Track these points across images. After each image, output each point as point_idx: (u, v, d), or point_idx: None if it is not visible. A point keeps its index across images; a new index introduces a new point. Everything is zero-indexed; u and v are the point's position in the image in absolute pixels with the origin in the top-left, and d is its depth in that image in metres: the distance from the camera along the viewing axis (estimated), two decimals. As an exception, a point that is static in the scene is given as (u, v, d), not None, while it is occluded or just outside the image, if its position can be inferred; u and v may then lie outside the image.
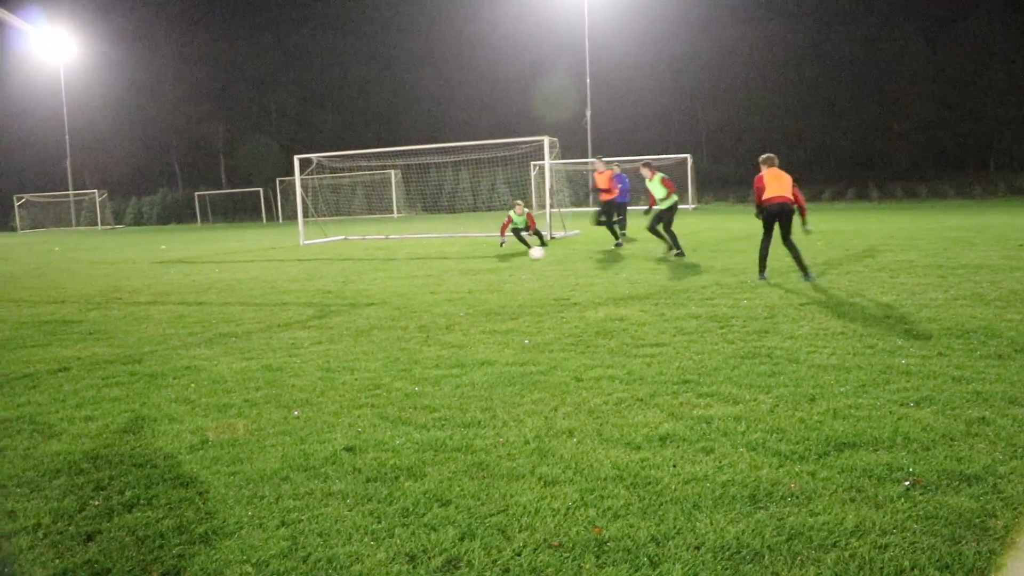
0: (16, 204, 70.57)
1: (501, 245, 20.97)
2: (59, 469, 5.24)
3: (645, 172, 17.76)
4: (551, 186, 26.71)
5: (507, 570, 3.62)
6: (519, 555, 3.75)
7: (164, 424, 6.14)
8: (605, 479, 4.59)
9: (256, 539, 4.04)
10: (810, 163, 64.64)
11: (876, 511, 4.07)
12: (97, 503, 4.61)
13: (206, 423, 6.10)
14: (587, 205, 46.47)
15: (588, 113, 57.33)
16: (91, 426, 6.20)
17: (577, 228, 27.65)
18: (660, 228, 17.61)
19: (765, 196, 12.48)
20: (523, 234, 20.53)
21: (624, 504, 4.25)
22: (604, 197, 20.95)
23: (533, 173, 43.42)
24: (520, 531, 3.99)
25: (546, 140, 25.97)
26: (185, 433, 5.86)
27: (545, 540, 3.88)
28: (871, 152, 65.95)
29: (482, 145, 34.15)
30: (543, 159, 27.12)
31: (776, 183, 12.59)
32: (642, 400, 6.17)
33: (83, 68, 72.60)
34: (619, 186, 23.37)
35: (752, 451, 4.96)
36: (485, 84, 74.13)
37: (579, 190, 50.80)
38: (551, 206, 25.83)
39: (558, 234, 25.17)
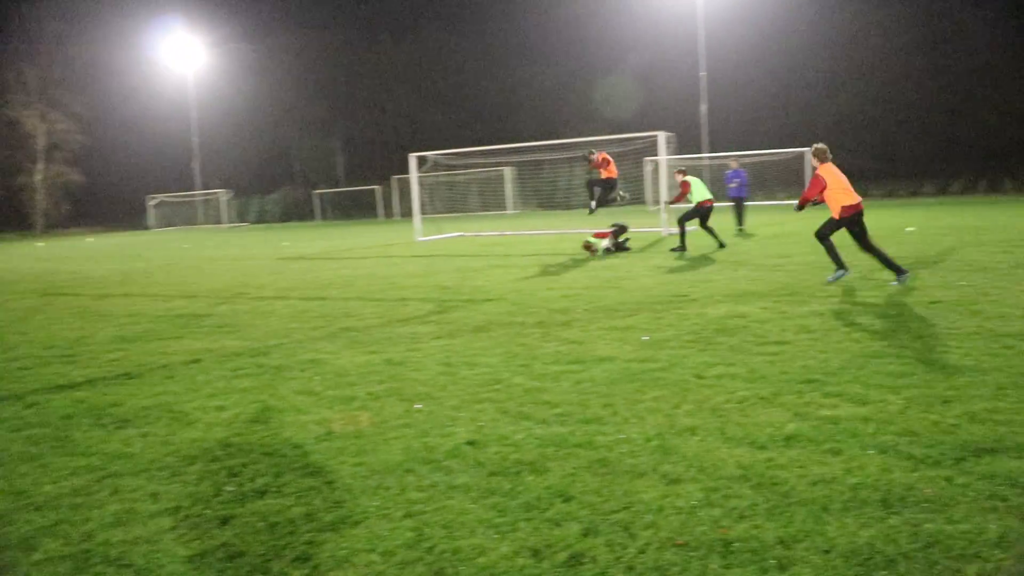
0: (149, 204, 73.63)
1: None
2: (195, 455, 5.46)
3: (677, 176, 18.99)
4: (668, 181, 26.41)
5: (631, 568, 3.60)
6: (643, 553, 3.72)
7: (291, 415, 6.32)
8: (730, 479, 4.52)
9: (382, 529, 4.12)
10: (936, 154, 62.07)
11: (1022, 522, 3.89)
12: (231, 489, 4.78)
13: (331, 415, 6.25)
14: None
15: (703, 107, 56.53)
16: (223, 415, 6.43)
17: (692, 225, 27.30)
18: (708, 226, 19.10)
19: (845, 204, 11.47)
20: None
21: (750, 504, 4.17)
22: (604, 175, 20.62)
23: (648, 169, 43.10)
24: (644, 529, 3.96)
25: (661, 135, 25.70)
26: (311, 424, 6.02)
27: (669, 538, 3.84)
28: (1006, 141, 62.91)
29: (595, 141, 33.97)
30: (657, 155, 26.83)
31: (844, 183, 11.57)
32: (765, 399, 6.05)
33: (209, 74, 75.28)
34: (737, 180, 23.01)
35: (882, 454, 4.81)
36: (600, 79, 73.92)
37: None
38: (667, 201, 25.55)
39: (673, 230, 24.89)
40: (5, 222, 70.04)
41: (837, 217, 11.54)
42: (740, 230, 23.06)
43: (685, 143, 43.83)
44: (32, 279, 21.67)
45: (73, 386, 7.89)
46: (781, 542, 3.76)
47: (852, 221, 11.47)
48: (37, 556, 4.06)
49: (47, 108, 70.71)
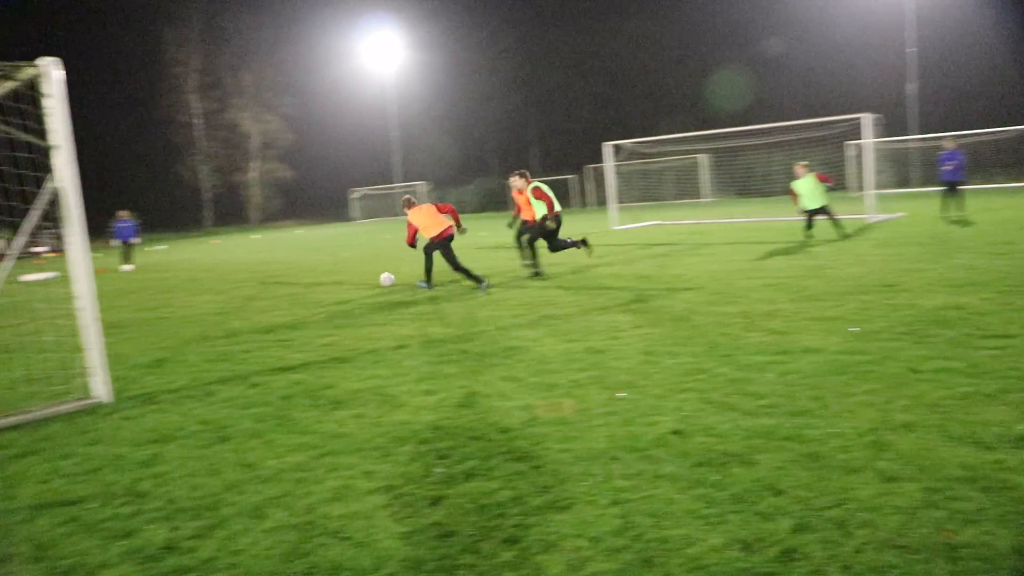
0: (352, 197, 76.84)
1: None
2: (405, 437, 5.67)
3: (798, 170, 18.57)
4: (873, 166, 25.24)
5: (847, 567, 3.48)
6: (860, 552, 3.58)
7: (495, 400, 6.46)
8: (953, 479, 4.28)
9: (589, 515, 4.15)
10: None
11: None
12: (440, 470, 4.93)
13: (535, 401, 6.34)
14: (911, 186, 43.62)
15: (911, 86, 53.63)
16: (430, 399, 6.65)
17: (902, 210, 26.00)
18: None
19: None
20: None
21: (977, 508, 3.94)
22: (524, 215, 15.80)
23: (850, 153, 41.32)
24: (859, 527, 3.81)
25: (866, 117, 24.57)
26: (516, 410, 6.13)
27: (889, 539, 3.68)
28: None
29: (794, 125, 32.80)
30: (859, 138, 25.67)
31: None
32: (991, 396, 5.68)
33: (408, 70, 77.75)
34: (952, 162, 21.69)
35: None
36: (796, 62, 71.45)
37: (900, 170, 47.59)
38: (873, 187, 24.44)
39: (879, 217, 23.78)
40: (225, 216, 75.09)
41: None
42: (948, 216, 21.69)
43: (889, 125, 41.62)
44: (250, 269, 23.09)
45: (290, 368, 8.36)
46: (1016, 551, 3.53)
47: None
48: (267, 524, 4.32)
49: (261, 110, 75.22)
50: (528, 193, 15.20)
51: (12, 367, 9.22)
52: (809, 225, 18.94)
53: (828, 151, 42.05)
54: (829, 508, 4.03)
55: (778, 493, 4.25)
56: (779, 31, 71.85)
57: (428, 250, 14.27)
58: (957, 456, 4.59)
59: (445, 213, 14.14)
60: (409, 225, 14.31)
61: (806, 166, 18.93)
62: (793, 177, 19.21)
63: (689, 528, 3.93)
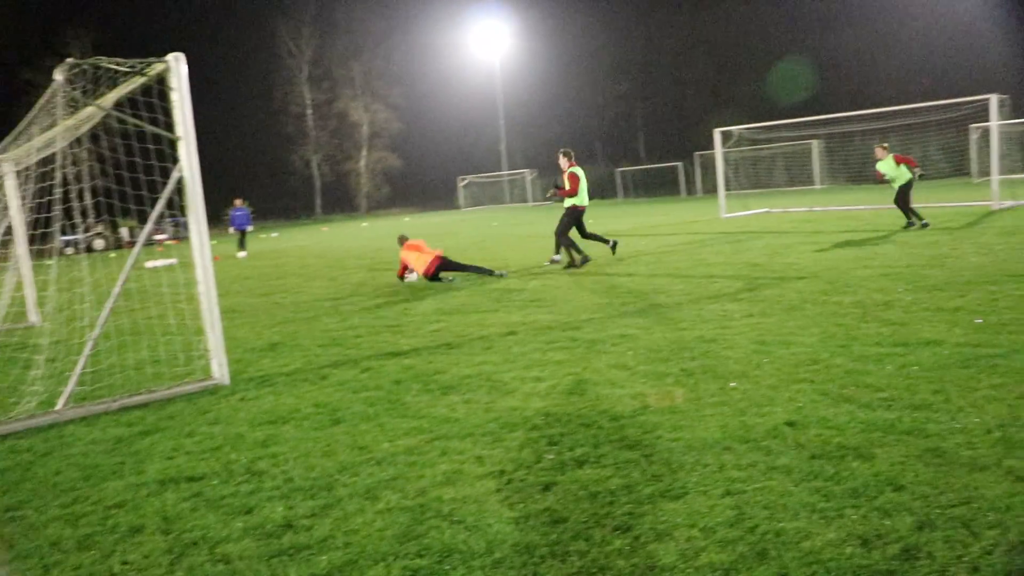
0: (460, 184, 77.53)
1: None
2: (515, 423, 5.70)
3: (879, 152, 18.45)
4: (1000, 150, 24.16)
5: (975, 569, 3.34)
6: (990, 554, 3.44)
7: (605, 388, 6.44)
8: (1093, 480, 4.08)
9: (701, 505, 4.10)
10: None
11: None
12: (551, 457, 4.94)
13: (645, 389, 6.30)
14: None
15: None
16: (540, 386, 6.67)
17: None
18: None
19: None
20: None
21: (1120, 513, 3.75)
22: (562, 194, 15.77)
23: (974, 137, 39.75)
24: (989, 528, 3.66)
25: (993, 98, 23.52)
26: (626, 398, 6.10)
27: (1022, 541, 3.53)
28: None
29: (913, 109, 31.63)
30: (986, 120, 24.61)
31: None
32: None
33: (515, 58, 77.99)
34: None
35: None
36: (917, 42, 68.99)
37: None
38: (998, 172, 23.42)
39: (1006, 203, 22.82)
40: (335, 204, 76.72)
41: None
42: None
43: (1020, 106, 39.72)
44: (359, 256, 23.53)
45: (401, 353, 8.49)
46: None
47: None
48: (380, 506, 4.40)
49: (370, 99, 76.58)
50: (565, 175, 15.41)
51: (139, 348, 9.61)
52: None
53: (950, 135, 40.57)
54: (954, 506, 3.88)
55: (898, 489, 4.12)
56: (894, 9, 69.50)
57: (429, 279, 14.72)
58: (1092, 455, 4.37)
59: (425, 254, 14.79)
60: (401, 261, 15.10)
61: (885, 147, 18.78)
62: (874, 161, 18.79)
63: (805, 521, 3.84)
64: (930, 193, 32.11)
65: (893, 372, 6.26)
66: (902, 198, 18.39)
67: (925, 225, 18.09)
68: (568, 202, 15.48)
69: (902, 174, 18.27)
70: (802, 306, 9.36)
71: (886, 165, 18.52)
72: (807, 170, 53.20)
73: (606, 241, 16.07)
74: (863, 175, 49.23)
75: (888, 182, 18.67)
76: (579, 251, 15.44)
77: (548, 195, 16.11)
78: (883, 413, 5.28)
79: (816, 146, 52.41)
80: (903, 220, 18.63)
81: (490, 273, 14.86)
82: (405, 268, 15.03)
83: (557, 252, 16.19)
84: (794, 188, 51.82)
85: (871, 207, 27.13)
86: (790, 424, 5.19)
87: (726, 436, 5.05)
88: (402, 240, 15.55)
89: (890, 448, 4.66)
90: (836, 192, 43.88)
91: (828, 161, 52.05)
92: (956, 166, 44.62)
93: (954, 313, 8.30)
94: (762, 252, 15.55)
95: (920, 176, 18.54)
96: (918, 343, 7.12)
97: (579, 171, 15.46)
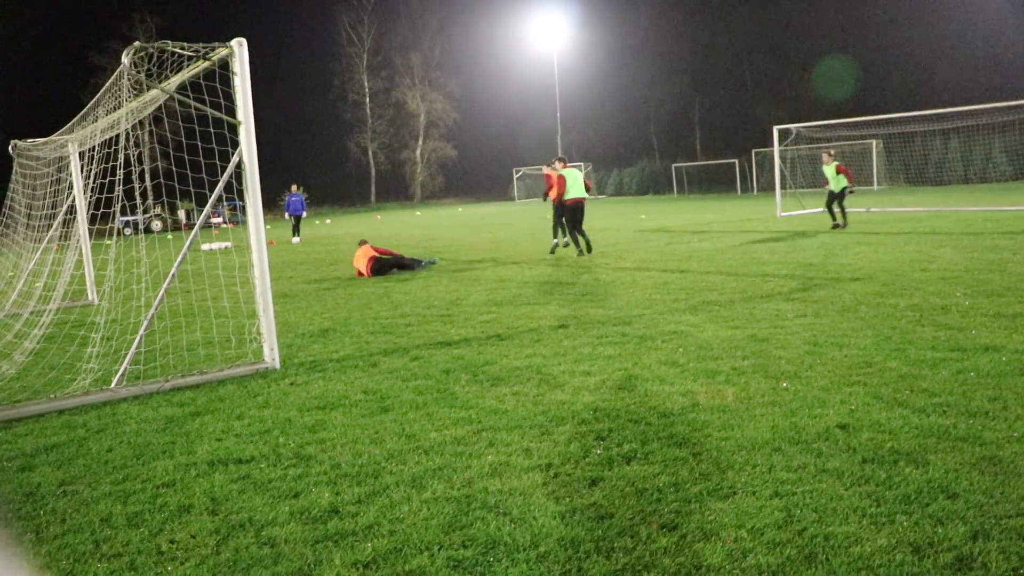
0: (514, 176, 77.60)
1: None
2: (564, 417, 5.68)
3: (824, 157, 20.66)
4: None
5: (1031, 580, 3.27)
6: (1046, 565, 3.36)
7: (655, 384, 6.40)
8: None
9: (750, 506, 4.05)
10: None
11: None
12: (599, 452, 4.92)
13: (695, 387, 6.25)
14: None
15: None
16: (589, 380, 6.64)
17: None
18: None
19: None
20: None
21: None
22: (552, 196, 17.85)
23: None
24: (1046, 539, 3.57)
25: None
26: (675, 395, 6.05)
27: (1076, 553, 3.44)
28: None
29: (976, 110, 31.02)
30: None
31: None
32: None
33: (573, 51, 77.76)
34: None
35: None
36: (981, 41, 67.49)
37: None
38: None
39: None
40: (390, 193, 77.22)
41: None
42: None
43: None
44: (413, 244, 23.63)
45: (451, 343, 8.51)
46: None
47: None
48: (426, 495, 4.42)
49: (427, 89, 77.05)
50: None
51: (193, 330, 9.75)
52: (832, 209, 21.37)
53: (1014, 137, 39.74)
54: (1010, 517, 3.79)
55: (952, 496, 4.03)
56: (957, 8, 68.07)
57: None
58: None
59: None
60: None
61: (831, 155, 21.82)
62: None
63: (855, 526, 3.78)
64: (992, 196, 31.44)
65: (949, 377, 6.13)
66: (833, 201, 21.25)
67: (836, 226, 20.98)
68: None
69: (840, 181, 21.05)
70: (857, 308, 9.22)
71: (829, 171, 21.31)
72: (865, 170, 52.39)
73: (578, 245, 17.35)
74: (923, 177, 48.52)
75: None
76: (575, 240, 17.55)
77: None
78: (938, 419, 5.18)
79: (875, 146, 51.60)
80: (953, 224, 18.24)
81: (419, 263, 16.46)
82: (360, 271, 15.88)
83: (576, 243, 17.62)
84: (853, 188, 51.00)
85: (930, 209, 26.66)
86: (842, 427, 5.11)
87: (776, 437, 4.99)
88: (361, 243, 16.73)
89: (944, 455, 4.57)
90: (895, 193, 43.15)
91: (887, 161, 51.22)
92: (1020, 169, 43.65)
93: (1013, 320, 8.11)
94: (817, 252, 15.34)
95: (851, 191, 21.53)
96: (975, 349, 6.97)
97: (566, 172, 17.54)
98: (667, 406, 5.77)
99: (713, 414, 5.52)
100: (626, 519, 3.99)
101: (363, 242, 16.66)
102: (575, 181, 17.23)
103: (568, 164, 18.19)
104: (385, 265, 15.78)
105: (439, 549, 3.78)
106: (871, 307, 9.21)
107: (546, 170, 19.00)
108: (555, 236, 18.62)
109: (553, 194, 17.51)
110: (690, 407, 5.72)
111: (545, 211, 42.56)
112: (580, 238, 17.22)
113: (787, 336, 7.89)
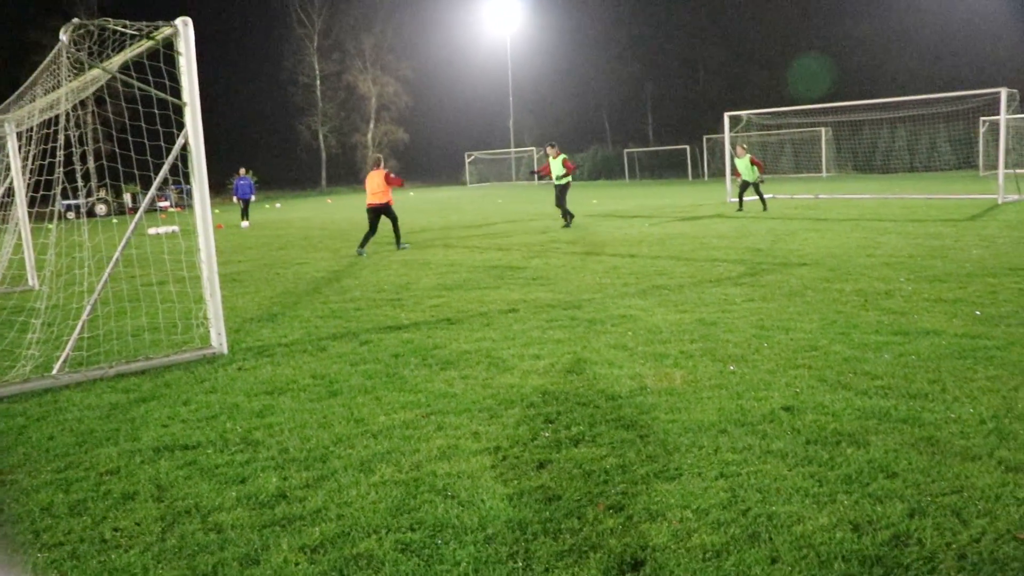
0: (467, 160, 77.35)
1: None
2: (513, 400, 5.70)
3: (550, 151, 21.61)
4: (1006, 144, 24.06)
5: (963, 556, 3.35)
6: (977, 542, 3.45)
7: (604, 368, 6.44)
8: (1084, 474, 4.08)
9: (695, 487, 4.10)
10: None
11: None
12: (547, 435, 4.95)
13: (644, 370, 6.30)
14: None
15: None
16: (538, 364, 6.67)
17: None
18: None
19: None
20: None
21: (1110, 505, 3.75)
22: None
23: (982, 130, 39.58)
24: (978, 517, 3.67)
25: (1003, 92, 23.41)
26: (624, 378, 6.10)
27: (1009, 531, 3.53)
28: None
29: (923, 100, 31.52)
30: (996, 114, 24.48)
31: None
32: None
33: (526, 35, 77.62)
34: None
35: None
36: (931, 32, 68.57)
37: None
38: (1005, 166, 23.32)
39: (1011, 197, 22.74)
40: (341, 177, 76.54)
41: None
42: None
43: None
44: (362, 228, 23.46)
45: (400, 328, 8.49)
46: None
47: None
48: (374, 479, 4.41)
49: (379, 73, 76.29)
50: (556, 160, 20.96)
51: (138, 315, 9.61)
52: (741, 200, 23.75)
53: (958, 127, 40.43)
54: (945, 495, 3.89)
55: (891, 476, 4.12)
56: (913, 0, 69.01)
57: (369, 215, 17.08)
58: (1086, 449, 4.37)
59: (393, 186, 17.22)
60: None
61: (744, 148, 23.55)
62: None
63: (798, 505, 3.85)
64: (936, 185, 32.03)
65: (891, 361, 6.26)
66: (745, 190, 23.32)
67: (740, 210, 23.27)
68: (567, 179, 20.89)
69: (753, 172, 22.78)
70: (803, 292, 9.35)
71: (742, 163, 22.92)
72: (815, 157, 53.02)
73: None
74: (871, 165, 49.21)
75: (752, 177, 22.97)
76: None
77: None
78: (879, 401, 5.28)
79: (824, 134, 52.20)
80: (898, 211, 18.56)
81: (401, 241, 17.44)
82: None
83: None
84: (800, 175, 51.67)
85: (876, 196, 27.07)
86: (787, 409, 5.19)
87: (723, 419, 5.05)
88: (376, 162, 17.68)
89: (885, 436, 4.66)
90: (843, 180, 43.73)
91: (836, 149, 51.86)
92: (964, 158, 44.46)
93: (954, 304, 8.29)
94: (766, 238, 15.52)
95: (762, 181, 23.34)
96: (917, 333, 7.11)
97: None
98: (615, 389, 5.81)
99: (661, 397, 5.58)
100: (573, 501, 4.01)
101: (377, 164, 17.48)
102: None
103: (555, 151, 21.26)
104: (394, 216, 17.05)
105: (387, 532, 3.78)
106: (817, 292, 9.35)
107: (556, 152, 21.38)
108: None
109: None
110: (638, 390, 5.77)
111: (496, 195, 42.61)
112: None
113: (735, 320, 7.98)
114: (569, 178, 20.93)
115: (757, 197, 23.49)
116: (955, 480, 4.04)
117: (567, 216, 20.62)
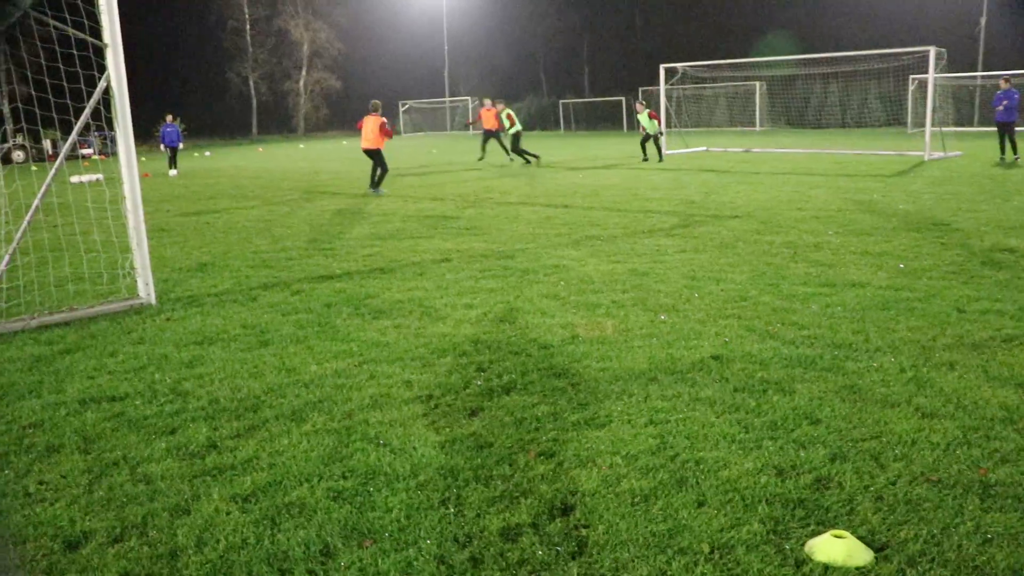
0: (400, 109, 76.47)
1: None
2: (445, 349, 5.72)
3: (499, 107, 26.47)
4: (933, 103, 24.49)
5: (880, 498, 3.47)
6: (893, 484, 3.57)
7: (536, 317, 6.48)
8: (991, 419, 4.24)
9: (625, 433, 4.17)
10: None
11: None
12: (479, 383, 4.98)
13: (576, 319, 6.36)
14: (971, 124, 42.45)
15: (982, 21, 51.87)
16: (471, 313, 6.69)
17: (959, 149, 25.34)
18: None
19: None
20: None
21: (1015, 448, 3.90)
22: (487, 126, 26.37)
23: (911, 88, 40.25)
24: (895, 460, 3.80)
25: (932, 51, 23.77)
26: (556, 327, 6.15)
27: (923, 473, 3.67)
28: None
29: (855, 56, 31.89)
30: (924, 72, 24.90)
31: None
32: (1038, 338, 5.59)
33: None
34: (1005, 102, 20.95)
35: None
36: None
37: (963, 107, 46.17)
38: (932, 124, 23.75)
39: (936, 155, 23.21)
40: (272, 125, 75.11)
41: None
42: (1003, 159, 21.02)
43: (955, 61, 40.25)
44: (296, 178, 23.15)
45: (333, 277, 8.43)
46: (1053, 490, 3.50)
47: None
48: (306, 428, 4.40)
49: (311, 18, 74.62)
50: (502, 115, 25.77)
51: (61, 266, 9.39)
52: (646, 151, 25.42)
53: (889, 84, 41.03)
54: (865, 440, 4.02)
55: (815, 422, 4.24)
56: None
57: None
58: (997, 397, 4.54)
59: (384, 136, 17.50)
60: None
61: (644, 104, 25.90)
62: None
63: (724, 451, 3.94)
64: (866, 141, 32.55)
65: (818, 311, 6.40)
66: (647, 141, 25.12)
67: (646, 160, 24.90)
68: (516, 128, 25.29)
69: (653, 126, 24.82)
70: (734, 244, 9.49)
71: (643, 118, 24.96)
72: (749, 111, 53.49)
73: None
74: (803, 119, 49.82)
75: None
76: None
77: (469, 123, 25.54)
78: (805, 350, 5.41)
79: (759, 88, 52.62)
80: (829, 166, 18.85)
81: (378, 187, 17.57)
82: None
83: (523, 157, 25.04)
84: (735, 128, 52.12)
85: (808, 150, 27.45)
86: (716, 358, 5.29)
87: (653, 367, 5.14)
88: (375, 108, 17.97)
89: (810, 384, 4.79)
90: (776, 134, 44.21)
91: (769, 104, 52.34)
92: (893, 115, 45.19)
93: (879, 257, 8.49)
94: (699, 190, 15.67)
95: (661, 134, 25.56)
96: (843, 285, 7.28)
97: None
98: (547, 338, 5.86)
99: (592, 346, 5.64)
100: (505, 448, 4.06)
101: (376, 110, 17.83)
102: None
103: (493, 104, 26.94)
104: (381, 159, 17.53)
105: (319, 480, 3.79)
106: (748, 244, 9.50)
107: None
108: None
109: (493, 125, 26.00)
110: (570, 339, 5.82)
111: (431, 146, 42.32)
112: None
113: (667, 271, 8.08)
114: (518, 127, 25.36)
115: (655, 149, 25.60)
116: (875, 426, 4.18)
117: (528, 156, 25.10)
